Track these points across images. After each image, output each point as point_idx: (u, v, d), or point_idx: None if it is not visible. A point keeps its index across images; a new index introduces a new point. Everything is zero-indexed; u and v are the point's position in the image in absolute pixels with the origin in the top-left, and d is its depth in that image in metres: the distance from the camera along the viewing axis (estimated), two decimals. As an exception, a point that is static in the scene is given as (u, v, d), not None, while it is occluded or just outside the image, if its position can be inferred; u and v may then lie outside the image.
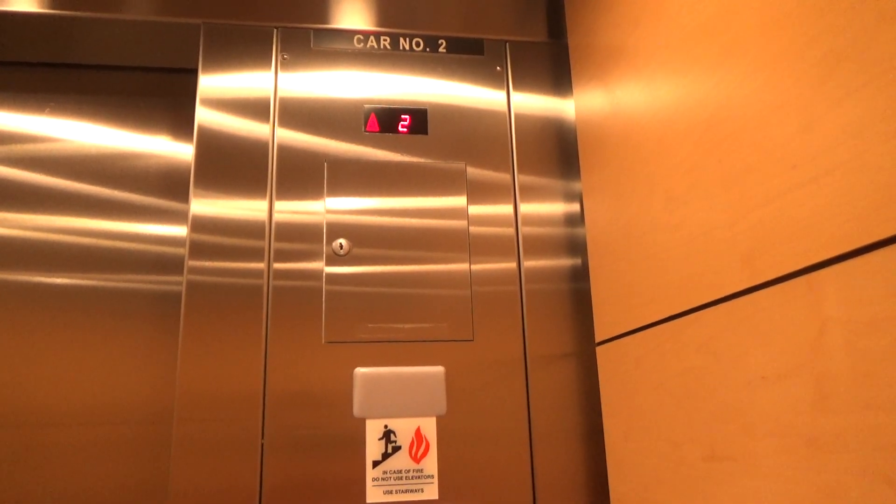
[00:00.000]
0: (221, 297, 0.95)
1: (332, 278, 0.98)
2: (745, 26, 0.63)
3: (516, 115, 1.10)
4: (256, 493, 0.88)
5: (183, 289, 0.95)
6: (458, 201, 1.04)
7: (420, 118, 1.07)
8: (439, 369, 0.96)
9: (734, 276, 0.64)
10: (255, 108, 1.03)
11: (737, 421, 0.63)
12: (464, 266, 1.01)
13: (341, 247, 0.98)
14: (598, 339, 0.97)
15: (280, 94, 1.05)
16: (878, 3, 0.47)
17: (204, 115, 1.02)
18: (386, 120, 1.06)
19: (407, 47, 1.10)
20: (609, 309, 0.93)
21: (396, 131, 1.06)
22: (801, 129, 0.55)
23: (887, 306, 0.46)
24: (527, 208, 1.06)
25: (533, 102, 1.11)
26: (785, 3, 0.57)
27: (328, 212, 1.01)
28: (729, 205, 0.65)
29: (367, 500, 0.90)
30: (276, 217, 0.99)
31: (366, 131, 1.05)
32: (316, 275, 0.98)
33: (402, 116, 1.06)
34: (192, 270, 0.95)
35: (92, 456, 1.02)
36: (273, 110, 1.04)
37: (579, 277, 1.05)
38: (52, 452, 1.01)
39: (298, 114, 1.04)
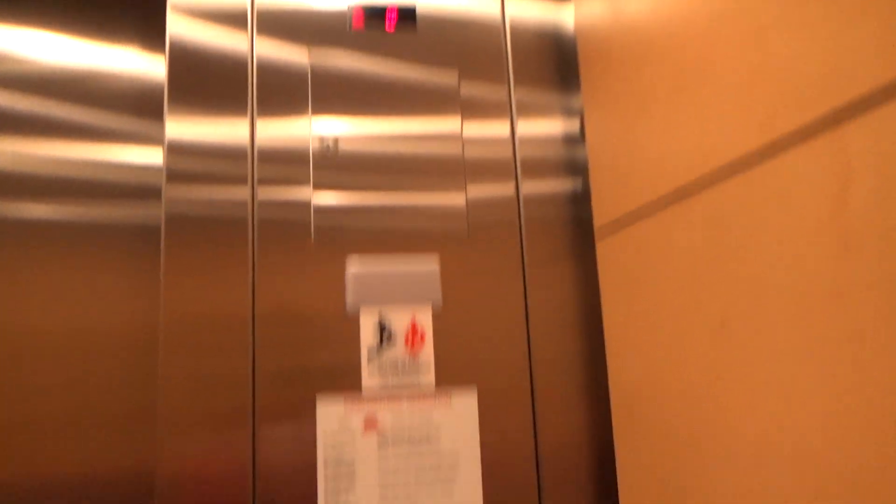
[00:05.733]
0: (205, 222, 0.91)
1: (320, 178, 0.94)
2: None
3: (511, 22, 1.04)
4: (249, 381, 0.87)
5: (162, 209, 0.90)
6: (452, 113, 1.00)
7: (408, 14, 1.01)
8: (433, 256, 0.94)
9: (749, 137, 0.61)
10: (230, 16, 0.97)
11: (750, 288, 0.61)
12: (457, 149, 0.97)
13: (329, 147, 0.94)
14: (597, 224, 0.94)
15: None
16: None
17: (176, 26, 0.95)
18: (372, 15, 1.00)
19: (394, -54, 1.02)
20: (607, 194, 0.90)
21: (383, 28, 0.99)
22: None
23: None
24: (524, 127, 1.01)
25: (529, 10, 1.05)
26: None
27: (314, 113, 0.96)
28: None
29: (364, 384, 0.89)
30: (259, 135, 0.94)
31: (351, 30, 0.98)
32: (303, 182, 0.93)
33: (390, 10, 1.00)
34: (171, 200, 0.91)
35: (75, 387, 0.97)
36: (251, 17, 0.97)
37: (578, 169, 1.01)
38: (34, 384, 0.97)
39: (278, 19, 0.98)
